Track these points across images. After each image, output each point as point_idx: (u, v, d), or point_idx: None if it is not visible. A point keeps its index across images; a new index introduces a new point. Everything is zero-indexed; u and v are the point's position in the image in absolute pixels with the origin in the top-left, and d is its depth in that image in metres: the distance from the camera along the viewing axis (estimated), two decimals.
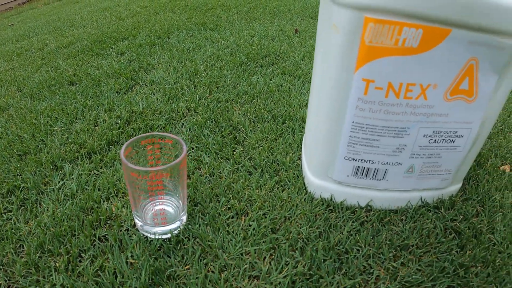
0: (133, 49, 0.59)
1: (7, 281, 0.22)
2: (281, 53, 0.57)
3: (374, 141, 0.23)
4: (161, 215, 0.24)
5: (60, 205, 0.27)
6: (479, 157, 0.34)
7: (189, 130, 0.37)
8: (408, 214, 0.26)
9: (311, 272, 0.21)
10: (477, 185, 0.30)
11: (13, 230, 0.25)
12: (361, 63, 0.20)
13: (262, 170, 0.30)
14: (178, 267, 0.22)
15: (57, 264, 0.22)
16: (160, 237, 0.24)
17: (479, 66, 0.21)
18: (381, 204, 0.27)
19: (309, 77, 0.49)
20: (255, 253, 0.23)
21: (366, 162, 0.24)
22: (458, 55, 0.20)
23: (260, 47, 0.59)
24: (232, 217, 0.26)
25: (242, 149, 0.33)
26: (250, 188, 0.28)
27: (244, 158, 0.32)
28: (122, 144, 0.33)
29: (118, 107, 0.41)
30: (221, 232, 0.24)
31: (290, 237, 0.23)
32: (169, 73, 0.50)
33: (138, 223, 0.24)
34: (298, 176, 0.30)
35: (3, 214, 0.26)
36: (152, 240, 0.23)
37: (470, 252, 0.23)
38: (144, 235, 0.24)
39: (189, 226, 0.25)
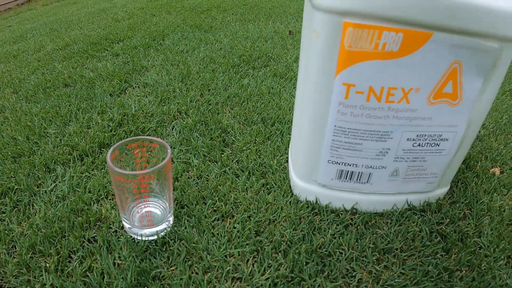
0: (128, 51, 0.60)
1: (0, 281, 0.22)
2: (274, 55, 0.57)
3: (356, 144, 0.23)
4: (148, 217, 0.24)
5: (52, 206, 0.28)
6: (469, 160, 0.34)
7: (179, 132, 0.37)
8: (393, 217, 0.26)
9: (292, 275, 0.22)
10: (466, 188, 0.30)
11: (6, 231, 0.25)
12: (341, 68, 0.20)
13: (249, 172, 0.31)
14: (163, 268, 0.22)
15: (47, 264, 0.23)
16: (146, 238, 0.24)
17: (463, 69, 0.21)
18: (367, 207, 0.27)
19: None
20: (239, 255, 0.23)
21: (350, 165, 0.25)
22: (441, 58, 0.20)
23: (253, 49, 0.59)
24: (218, 220, 0.26)
25: (230, 151, 0.34)
26: (236, 191, 0.29)
27: (232, 161, 0.32)
28: None
29: (111, 109, 0.41)
30: (206, 234, 0.25)
31: (274, 240, 0.24)
32: (162, 76, 0.50)
33: (126, 225, 0.24)
34: (284, 179, 0.30)
35: None
36: (139, 242, 0.24)
37: (455, 255, 0.24)
38: (131, 236, 0.24)
39: (175, 228, 0.25)
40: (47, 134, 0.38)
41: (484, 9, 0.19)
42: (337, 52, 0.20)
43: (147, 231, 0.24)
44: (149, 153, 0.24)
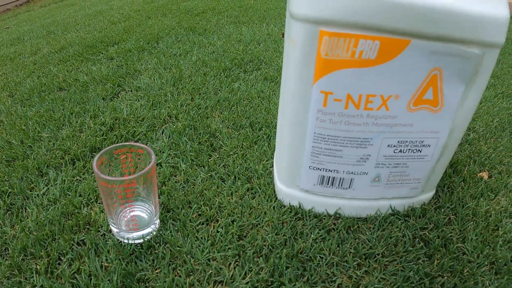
0: (122, 55, 0.60)
1: None
2: (266, 59, 0.57)
3: (337, 151, 0.24)
4: (135, 221, 0.25)
5: (44, 210, 0.29)
6: (456, 164, 0.35)
7: (169, 137, 0.37)
8: (376, 222, 0.27)
9: (272, 279, 0.22)
10: (452, 192, 0.30)
11: None
12: (318, 76, 0.21)
13: (235, 177, 0.31)
14: (148, 271, 0.23)
15: (38, 266, 0.24)
16: (133, 242, 0.25)
17: (443, 76, 0.21)
18: (350, 212, 0.27)
19: None
20: (221, 259, 0.24)
21: (331, 171, 0.25)
22: (420, 65, 0.20)
23: (246, 52, 0.60)
24: (202, 224, 0.27)
25: (217, 156, 0.34)
26: (221, 195, 0.29)
27: (219, 165, 0.33)
28: None
29: (103, 114, 0.42)
30: (190, 238, 0.25)
31: (256, 244, 0.24)
32: (154, 80, 0.51)
33: (114, 229, 0.25)
34: (269, 184, 0.30)
35: None
36: (125, 245, 0.25)
37: (438, 261, 0.24)
38: (118, 240, 0.25)
39: (161, 232, 0.26)
40: (41, 138, 0.38)
41: (463, 15, 0.19)
42: (314, 61, 0.20)
43: (134, 234, 0.25)
44: (138, 158, 0.25)
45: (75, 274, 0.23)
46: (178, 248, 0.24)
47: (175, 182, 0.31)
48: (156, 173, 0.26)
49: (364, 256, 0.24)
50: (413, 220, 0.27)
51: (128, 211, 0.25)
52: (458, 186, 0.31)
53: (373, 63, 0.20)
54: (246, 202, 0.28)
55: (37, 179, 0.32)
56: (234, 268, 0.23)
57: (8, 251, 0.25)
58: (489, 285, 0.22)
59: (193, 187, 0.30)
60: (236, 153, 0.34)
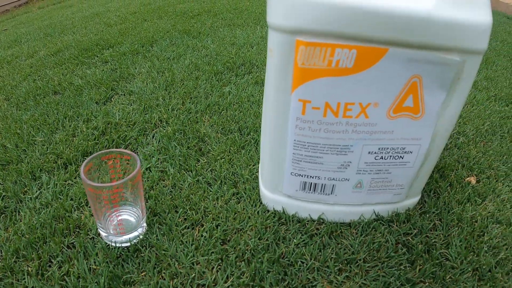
0: (117, 58, 0.61)
1: None
2: (258, 62, 0.58)
3: (317, 158, 0.24)
4: (121, 225, 0.26)
5: (36, 213, 0.29)
6: (444, 168, 0.35)
7: (159, 141, 0.38)
8: (360, 227, 0.27)
9: (253, 283, 0.23)
10: (438, 197, 0.30)
11: None
12: (296, 85, 0.21)
13: (221, 182, 0.32)
14: (134, 274, 0.24)
15: (29, 268, 0.25)
16: (120, 245, 0.26)
17: (423, 83, 0.21)
18: (333, 217, 0.28)
19: None
20: (204, 262, 0.24)
21: (312, 177, 0.25)
22: (398, 73, 0.20)
23: (238, 55, 0.60)
24: (188, 228, 0.27)
25: (205, 160, 0.35)
26: (207, 200, 0.30)
27: (206, 170, 0.34)
28: None
29: (95, 118, 0.43)
30: (175, 242, 0.26)
31: (239, 249, 0.25)
32: (147, 84, 0.51)
33: (103, 233, 0.26)
34: (254, 188, 0.31)
35: None
36: (113, 248, 0.25)
37: (420, 267, 0.24)
38: (107, 243, 0.26)
39: (147, 236, 0.26)
40: (35, 142, 0.39)
41: (442, 23, 0.19)
42: (292, 70, 0.21)
43: (121, 238, 0.25)
44: (127, 162, 0.26)
45: (65, 276, 0.24)
46: (164, 252, 0.25)
47: (163, 186, 0.32)
48: (141, 178, 0.26)
49: (345, 261, 0.24)
50: (396, 225, 0.27)
51: (115, 215, 0.26)
52: (445, 191, 0.31)
53: (350, 71, 0.20)
54: (231, 206, 0.29)
55: (30, 182, 0.33)
56: (217, 271, 0.24)
57: (1, 253, 0.26)
58: None
59: (180, 192, 0.31)
60: (224, 158, 0.35)
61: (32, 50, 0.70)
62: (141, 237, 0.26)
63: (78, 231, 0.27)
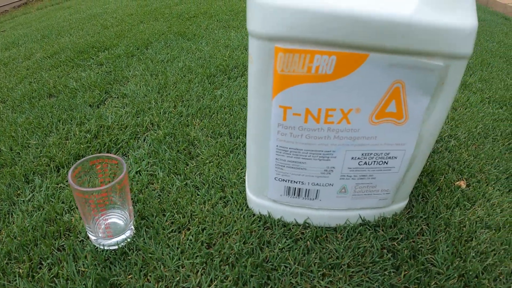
0: (112, 61, 0.61)
1: None
2: None
3: (300, 163, 0.24)
4: (109, 229, 0.26)
5: (28, 216, 0.30)
6: (433, 172, 0.34)
7: (149, 145, 0.38)
8: (345, 232, 0.27)
9: (236, 287, 0.23)
10: (426, 202, 0.30)
11: None
12: (276, 91, 0.21)
13: (209, 185, 0.32)
14: (121, 276, 0.24)
15: (20, 270, 0.25)
16: (108, 248, 0.26)
17: (406, 88, 0.21)
18: (318, 222, 0.28)
19: None
20: (189, 266, 0.25)
21: (296, 182, 0.26)
22: (380, 79, 0.20)
23: (232, 58, 0.60)
24: (174, 231, 0.28)
25: (194, 164, 0.35)
26: (194, 204, 0.30)
27: (195, 174, 0.34)
28: None
29: (89, 121, 0.43)
30: (161, 246, 0.26)
31: (223, 253, 0.25)
32: (140, 87, 0.51)
33: (92, 237, 0.26)
34: (241, 192, 0.31)
35: None
36: (102, 250, 0.26)
37: (405, 272, 0.24)
38: (95, 246, 0.26)
39: (135, 239, 0.27)
40: (29, 145, 0.40)
41: (423, 28, 0.18)
42: (272, 76, 0.21)
43: (110, 241, 0.26)
44: (116, 166, 0.26)
45: (54, 278, 0.24)
46: (150, 255, 0.26)
47: (152, 190, 0.32)
48: (128, 182, 0.27)
49: (329, 266, 0.25)
50: (382, 230, 0.27)
51: (102, 219, 0.27)
52: (433, 196, 0.31)
53: (330, 77, 0.20)
54: (218, 210, 0.29)
55: (23, 185, 0.33)
56: (201, 275, 0.24)
57: None
58: None
59: (168, 195, 0.31)
60: (212, 162, 0.35)
61: (29, 52, 0.71)
62: (128, 240, 0.27)
63: (68, 234, 0.28)
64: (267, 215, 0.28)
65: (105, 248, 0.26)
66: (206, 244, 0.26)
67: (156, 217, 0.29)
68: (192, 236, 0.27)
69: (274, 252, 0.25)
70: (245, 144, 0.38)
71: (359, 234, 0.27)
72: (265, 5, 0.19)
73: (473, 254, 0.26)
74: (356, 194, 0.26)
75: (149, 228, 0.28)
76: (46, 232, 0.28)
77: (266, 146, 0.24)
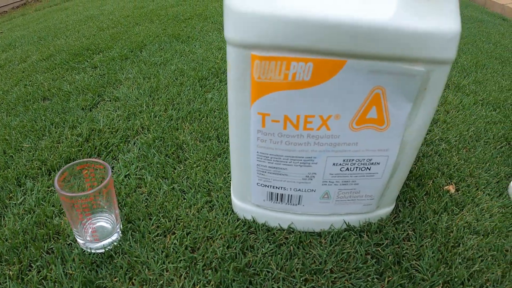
0: (106, 63, 0.61)
1: None
2: None
3: (281, 169, 0.25)
4: (96, 233, 0.27)
5: (20, 219, 0.30)
6: (422, 177, 0.34)
7: (139, 149, 0.39)
8: (329, 237, 0.27)
9: None
10: (413, 207, 0.30)
11: None
12: (254, 98, 0.21)
13: (195, 190, 0.33)
14: (106, 279, 0.25)
15: (11, 272, 0.26)
16: (95, 251, 0.27)
17: (387, 94, 0.21)
18: (302, 227, 0.28)
19: None
20: (173, 270, 0.25)
21: (278, 188, 0.26)
22: (359, 85, 0.20)
23: (224, 60, 0.60)
24: (160, 235, 0.28)
25: (182, 168, 0.35)
26: (180, 208, 0.30)
27: (182, 178, 0.34)
28: None
29: (80, 124, 0.43)
30: (146, 249, 0.27)
31: (206, 257, 0.26)
32: (132, 90, 0.52)
33: (79, 241, 0.27)
34: (227, 197, 0.32)
35: None
36: (90, 254, 0.26)
37: (389, 279, 0.24)
38: (83, 249, 0.27)
39: (121, 243, 0.27)
40: (22, 149, 0.40)
41: (402, 33, 0.18)
42: (249, 83, 0.21)
43: (97, 244, 0.26)
44: (104, 171, 0.27)
45: (43, 280, 0.25)
46: (135, 259, 0.26)
47: (140, 194, 0.33)
48: (114, 187, 0.27)
49: (312, 272, 0.25)
50: (367, 236, 0.27)
51: (88, 223, 0.27)
52: (421, 200, 0.31)
53: (307, 84, 0.20)
54: (203, 215, 0.30)
55: (15, 189, 0.34)
56: (185, 279, 0.25)
57: None
58: None
59: (155, 199, 0.32)
60: (200, 166, 0.35)
61: (25, 55, 0.71)
62: (115, 243, 0.27)
63: (57, 237, 0.28)
64: (252, 220, 0.29)
65: (92, 251, 0.27)
66: (190, 248, 0.27)
67: (142, 221, 0.29)
68: (177, 240, 0.27)
69: (257, 257, 0.26)
70: None
71: (344, 240, 0.27)
72: (240, 12, 0.19)
73: (460, 260, 0.25)
74: (339, 199, 0.26)
75: (135, 232, 0.28)
76: (36, 235, 0.28)
77: (247, 152, 0.24)
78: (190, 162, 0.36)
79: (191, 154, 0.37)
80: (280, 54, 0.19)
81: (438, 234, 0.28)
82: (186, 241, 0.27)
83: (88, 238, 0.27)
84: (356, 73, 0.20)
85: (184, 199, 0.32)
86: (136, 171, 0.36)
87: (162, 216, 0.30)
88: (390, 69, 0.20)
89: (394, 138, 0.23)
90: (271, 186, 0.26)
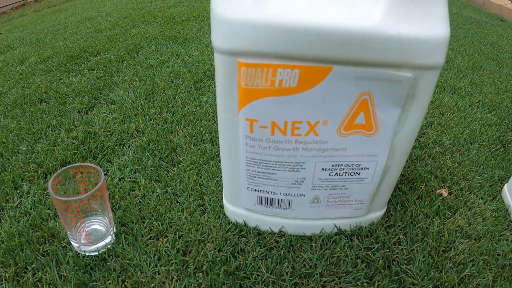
0: (102, 66, 0.62)
1: None
2: None
3: (270, 174, 0.25)
4: (89, 236, 0.27)
5: (16, 221, 0.31)
6: (414, 180, 0.34)
7: (134, 152, 0.39)
8: (319, 241, 0.27)
9: None
10: (405, 211, 0.30)
11: None
12: (242, 105, 0.21)
13: (188, 193, 0.33)
14: (100, 281, 0.25)
15: (6, 274, 0.26)
16: (89, 254, 0.27)
17: (375, 100, 0.21)
18: (293, 231, 0.28)
19: None
20: (165, 273, 0.25)
21: (268, 193, 0.26)
22: (346, 91, 0.20)
23: None
24: (152, 238, 0.29)
25: (175, 171, 0.36)
26: (173, 211, 0.31)
27: (175, 181, 0.34)
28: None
29: (76, 127, 0.44)
30: (139, 252, 0.27)
31: (197, 260, 0.26)
32: (128, 93, 0.52)
33: (74, 244, 0.27)
34: (219, 200, 0.32)
35: None
36: (84, 256, 0.27)
37: (379, 283, 0.24)
38: (77, 252, 0.27)
39: (114, 246, 0.28)
40: (19, 151, 0.40)
41: (388, 39, 0.18)
42: (237, 90, 0.21)
43: (91, 247, 0.27)
44: (97, 175, 0.27)
45: (38, 282, 0.25)
46: (128, 261, 0.26)
47: (134, 197, 0.33)
48: (107, 190, 0.27)
49: (302, 275, 0.25)
50: (358, 239, 0.27)
51: (82, 226, 0.28)
52: (413, 204, 0.31)
53: (294, 91, 0.20)
54: (195, 218, 0.30)
55: (12, 191, 0.34)
56: (176, 282, 0.25)
57: None
58: None
59: (148, 203, 0.32)
60: (193, 169, 0.36)
61: (23, 57, 0.72)
62: (109, 246, 0.28)
63: (52, 240, 0.29)
64: (243, 224, 0.29)
65: (86, 254, 0.27)
66: (182, 252, 0.27)
67: (135, 224, 0.30)
68: (169, 243, 0.28)
69: (247, 260, 0.26)
70: None
71: (334, 243, 0.27)
72: (225, 20, 0.19)
73: (450, 265, 0.25)
74: (329, 204, 0.26)
75: (128, 235, 0.29)
76: (32, 237, 0.29)
77: (237, 157, 0.24)
78: (183, 165, 0.37)
79: (185, 157, 0.38)
80: (267, 61, 0.19)
81: (429, 238, 0.28)
82: (178, 244, 0.27)
83: (82, 241, 0.27)
84: (343, 79, 0.20)
85: (177, 202, 0.32)
86: (130, 174, 0.36)
87: (155, 219, 0.30)
88: (377, 75, 0.20)
89: (383, 144, 0.23)
90: (261, 190, 0.26)
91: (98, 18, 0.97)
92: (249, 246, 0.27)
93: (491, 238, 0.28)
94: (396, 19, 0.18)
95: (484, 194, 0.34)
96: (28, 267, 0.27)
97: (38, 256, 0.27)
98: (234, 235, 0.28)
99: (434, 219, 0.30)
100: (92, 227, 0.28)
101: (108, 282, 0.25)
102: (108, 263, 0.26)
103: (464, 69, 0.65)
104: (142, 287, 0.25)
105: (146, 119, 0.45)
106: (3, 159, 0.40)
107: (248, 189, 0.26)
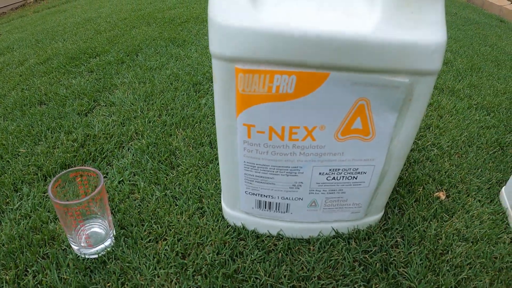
0: (102, 67, 0.62)
1: None
2: None
3: (268, 178, 0.25)
4: (89, 239, 0.27)
5: (16, 224, 0.31)
6: (412, 183, 0.34)
7: (133, 154, 0.39)
8: (317, 244, 0.27)
9: None
10: (403, 214, 0.30)
11: None
12: (239, 110, 0.22)
13: (187, 196, 0.33)
14: (99, 284, 0.25)
15: (7, 277, 0.26)
16: (89, 257, 0.28)
17: (371, 105, 0.21)
18: (291, 234, 0.28)
19: None
20: (164, 276, 0.26)
21: (266, 196, 0.26)
22: (343, 97, 0.20)
23: None
24: (151, 241, 0.29)
25: (174, 174, 0.36)
26: (172, 214, 0.31)
27: (174, 184, 0.35)
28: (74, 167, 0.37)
29: (76, 130, 0.44)
30: (138, 255, 0.27)
31: (196, 263, 0.26)
32: (127, 95, 0.52)
33: (74, 247, 0.28)
34: (218, 203, 0.32)
35: None
36: (84, 259, 0.27)
37: (376, 286, 0.24)
38: (77, 254, 0.28)
39: (114, 248, 0.28)
40: (18, 154, 0.41)
41: (384, 45, 0.18)
42: (234, 96, 0.21)
43: (91, 250, 0.27)
44: (96, 179, 0.27)
45: (38, 285, 0.26)
46: (128, 264, 0.27)
47: (133, 200, 0.33)
48: (106, 194, 0.28)
49: (300, 278, 0.25)
50: (355, 242, 0.27)
51: (82, 229, 0.28)
52: (410, 207, 0.31)
53: (291, 96, 0.20)
54: (194, 221, 0.30)
55: (12, 194, 0.35)
56: (175, 284, 0.25)
57: None
58: None
59: (147, 206, 0.32)
60: (192, 172, 0.36)
61: (23, 58, 0.72)
62: (108, 249, 0.28)
63: (52, 242, 0.29)
64: (241, 227, 0.29)
65: (86, 257, 0.27)
66: (181, 254, 0.27)
67: (135, 227, 0.30)
68: (168, 246, 0.28)
69: (246, 263, 0.26)
70: None
71: (332, 246, 0.27)
72: (223, 27, 0.19)
73: (447, 268, 0.26)
74: (326, 207, 0.27)
75: (127, 237, 0.29)
76: (32, 240, 0.29)
77: (235, 161, 0.25)
78: (182, 168, 0.37)
79: (184, 160, 0.38)
80: (264, 67, 0.20)
81: (427, 241, 0.28)
82: (177, 247, 0.28)
83: (82, 244, 0.27)
84: (340, 85, 0.20)
85: (176, 205, 0.32)
86: (130, 177, 0.36)
87: (154, 222, 0.30)
88: (374, 81, 0.20)
89: (380, 148, 0.23)
90: (259, 194, 0.26)
91: (97, 19, 0.97)
92: (247, 249, 0.27)
93: (488, 241, 0.29)
94: (392, 25, 0.18)
95: (481, 197, 0.34)
96: (28, 269, 0.27)
97: (38, 258, 0.28)
98: (232, 238, 0.29)
99: (431, 222, 0.30)
100: (92, 230, 0.28)
101: (108, 284, 0.26)
102: (108, 266, 0.27)
103: (463, 70, 0.65)
104: None
105: (145, 122, 0.45)
106: (3, 161, 0.40)
107: (247, 193, 0.26)
